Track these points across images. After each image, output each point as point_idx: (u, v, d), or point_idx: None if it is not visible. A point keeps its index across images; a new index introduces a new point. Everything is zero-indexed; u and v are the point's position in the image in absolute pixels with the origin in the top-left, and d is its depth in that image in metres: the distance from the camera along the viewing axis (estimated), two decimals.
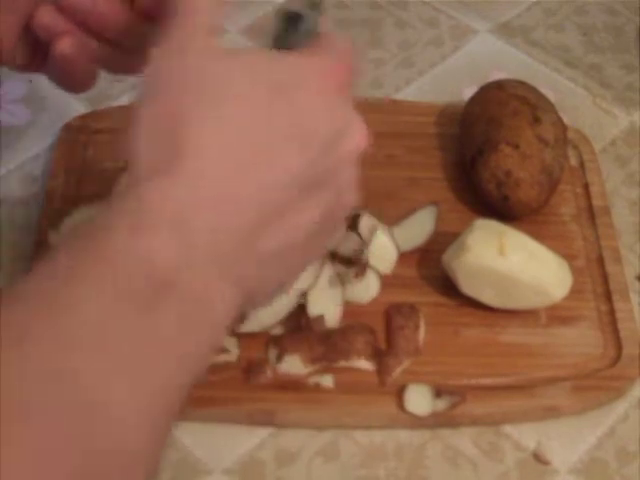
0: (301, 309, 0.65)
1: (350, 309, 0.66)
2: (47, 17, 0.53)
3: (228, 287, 0.42)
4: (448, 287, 0.68)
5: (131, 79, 0.65)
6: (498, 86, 0.76)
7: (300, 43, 0.49)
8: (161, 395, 0.39)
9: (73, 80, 0.55)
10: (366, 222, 0.70)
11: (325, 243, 0.49)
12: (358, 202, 0.48)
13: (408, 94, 0.85)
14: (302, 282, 0.66)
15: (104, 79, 0.60)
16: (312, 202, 0.44)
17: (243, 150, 0.42)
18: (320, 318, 0.65)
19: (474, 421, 0.63)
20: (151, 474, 0.39)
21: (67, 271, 0.38)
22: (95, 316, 0.37)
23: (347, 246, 0.70)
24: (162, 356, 0.39)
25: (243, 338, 0.64)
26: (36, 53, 0.55)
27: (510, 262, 0.65)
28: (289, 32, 0.50)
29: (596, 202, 0.75)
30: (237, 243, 0.42)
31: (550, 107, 0.75)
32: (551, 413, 0.64)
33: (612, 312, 0.68)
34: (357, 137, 0.46)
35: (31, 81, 0.83)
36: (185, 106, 0.42)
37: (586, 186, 0.76)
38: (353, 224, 0.71)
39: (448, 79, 0.86)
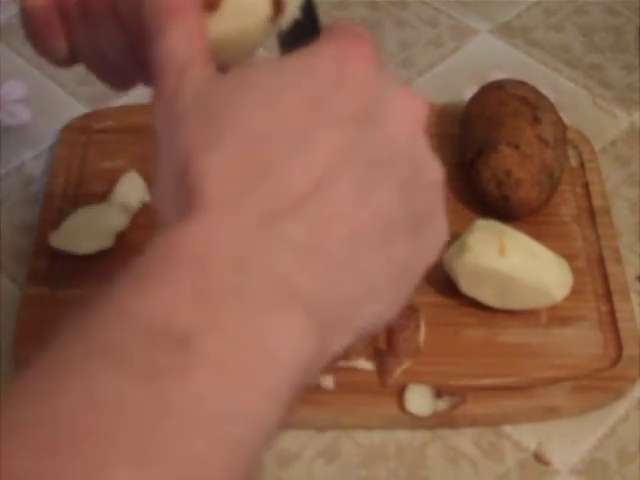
0: None
1: None
2: None
3: (295, 317, 0.34)
4: (448, 287, 0.68)
5: None
6: (498, 86, 0.76)
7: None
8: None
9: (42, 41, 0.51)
10: None
11: (427, 243, 0.41)
12: (443, 178, 0.42)
13: None
14: None
15: None
16: (376, 185, 0.38)
17: (265, 159, 0.36)
18: None
19: (474, 421, 0.63)
20: None
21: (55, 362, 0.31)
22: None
23: None
24: (200, 436, 0.31)
25: None
26: None
27: (510, 262, 0.65)
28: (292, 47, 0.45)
29: (596, 202, 0.75)
30: (293, 253, 0.35)
31: (550, 107, 0.75)
32: (551, 413, 0.64)
33: (612, 312, 0.68)
34: (406, 103, 0.40)
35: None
36: (190, 133, 0.37)
37: (586, 186, 0.76)
38: None
39: (448, 79, 0.86)
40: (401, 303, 0.41)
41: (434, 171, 0.41)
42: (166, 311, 0.32)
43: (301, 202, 0.35)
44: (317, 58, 0.39)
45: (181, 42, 0.40)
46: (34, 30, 0.50)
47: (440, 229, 0.42)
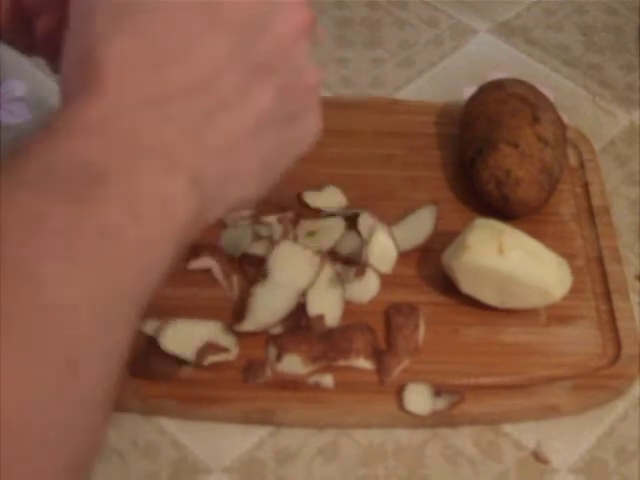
0: (301, 308, 0.65)
1: (350, 308, 0.66)
2: None
3: (181, 182, 0.41)
4: (448, 286, 0.68)
5: None
6: (498, 85, 0.76)
7: None
8: (116, 298, 0.38)
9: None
10: (366, 221, 0.70)
11: (299, 134, 0.48)
12: (320, 79, 0.48)
13: (408, 94, 0.85)
14: (302, 281, 0.66)
15: None
16: (259, 86, 0.44)
17: (160, 49, 0.42)
18: (320, 317, 0.65)
19: (474, 420, 0.63)
20: (108, 392, 0.37)
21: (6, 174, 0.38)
22: (30, 211, 0.36)
23: (347, 245, 0.70)
24: (111, 252, 0.37)
25: (243, 337, 0.64)
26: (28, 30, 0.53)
27: (510, 261, 0.65)
28: None
29: (596, 201, 0.75)
30: (182, 134, 0.41)
31: (550, 106, 0.75)
32: (551, 412, 0.64)
33: (612, 311, 0.68)
34: (294, 16, 0.46)
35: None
36: (97, 23, 0.42)
37: (586, 185, 0.76)
38: (353, 223, 0.71)
39: (448, 78, 0.86)
40: (269, 185, 0.48)
41: (312, 75, 0.47)
42: (84, 153, 0.39)
43: (188, 93, 0.42)
44: None
45: None
46: None
47: (312, 122, 0.48)
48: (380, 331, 0.66)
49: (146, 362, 0.62)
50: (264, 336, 0.64)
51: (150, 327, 0.63)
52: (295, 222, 0.71)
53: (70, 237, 0.36)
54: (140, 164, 0.40)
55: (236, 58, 0.43)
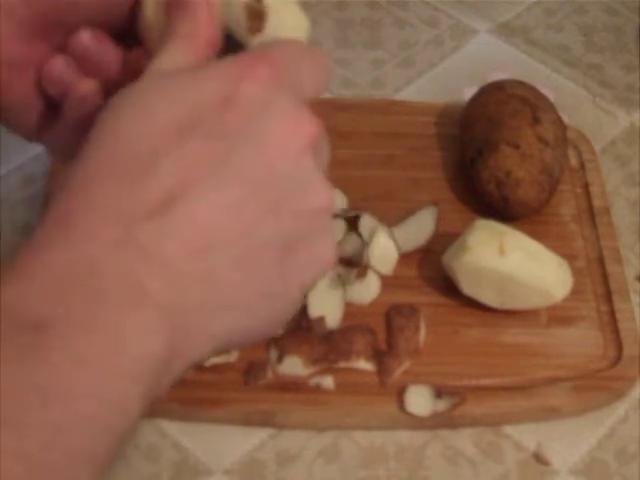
0: (302, 310, 0.65)
1: (351, 310, 0.66)
2: (58, 66, 0.48)
3: (145, 314, 0.37)
4: (448, 287, 0.68)
5: None
6: (498, 86, 0.76)
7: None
8: (65, 464, 0.34)
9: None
10: (366, 222, 0.70)
11: (301, 260, 0.42)
12: (333, 200, 0.43)
13: (408, 94, 0.85)
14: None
15: None
16: (246, 206, 0.39)
17: (132, 158, 0.39)
18: (321, 319, 0.65)
19: (474, 421, 0.63)
20: None
21: None
22: None
23: (348, 247, 0.70)
24: (57, 414, 0.34)
25: None
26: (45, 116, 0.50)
27: (510, 262, 0.65)
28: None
29: (596, 202, 0.75)
30: (146, 261, 0.37)
31: (550, 107, 0.75)
32: (551, 413, 0.64)
33: (612, 312, 0.68)
34: (294, 126, 0.41)
35: None
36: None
37: (586, 186, 0.76)
38: (354, 225, 0.71)
39: (448, 79, 0.86)
40: (279, 320, 0.43)
41: (320, 196, 0.42)
42: (23, 302, 0.36)
43: (155, 213, 0.37)
44: (210, 75, 0.40)
45: None
46: None
47: (321, 253, 0.43)
48: (381, 332, 0.66)
49: None
50: (265, 338, 0.64)
51: None
52: None
53: (12, 402, 0.34)
54: (93, 303, 0.36)
55: (211, 171, 0.39)
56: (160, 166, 0.38)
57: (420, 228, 0.71)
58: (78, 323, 0.36)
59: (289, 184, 0.40)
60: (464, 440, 0.63)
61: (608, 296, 0.69)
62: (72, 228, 0.37)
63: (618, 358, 0.65)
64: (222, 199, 0.38)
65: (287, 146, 0.40)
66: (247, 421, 0.63)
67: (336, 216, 0.71)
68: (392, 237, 0.70)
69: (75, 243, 0.37)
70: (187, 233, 0.38)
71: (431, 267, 0.69)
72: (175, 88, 0.40)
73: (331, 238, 0.43)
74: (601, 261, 0.71)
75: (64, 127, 0.49)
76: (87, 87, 0.48)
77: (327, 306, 0.65)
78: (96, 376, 0.35)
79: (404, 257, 0.70)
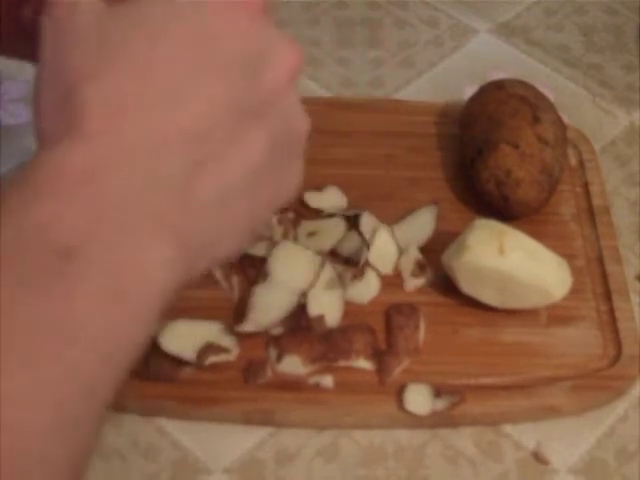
0: (301, 309, 0.65)
1: (350, 309, 0.66)
2: None
3: (167, 248, 0.38)
4: (448, 287, 0.68)
5: None
6: (498, 86, 0.76)
7: None
8: (82, 393, 0.35)
9: None
10: (367, 222, 0.70)
11: (284, 184, 0.44)
12: (308, 127, 0.43)
13: (408, 94, 0.85)
14: (302, 282, 0.66)
15: None
16: (251, 134, 0.40)
17: (153, 91, 0.38)
18: (320, 318, 0.65)
19: (474, 421, 0.63)
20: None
21: None
22: None
23: (347, 246, 0.70)
24: (79, 346, 0.35)
25: (243, 338, 0.64)
26: None
27: (510, 262, 0.65)
28: None
29: (596, 202, 0.75)
30: (172, 190, 0.38)
31: (550, 107, 0.75)
32: (551, 413, 0.64)
33: (612, 312, 0.68)
34: (286, 59, 0.41)
35: None
36: (80, 58, 0.38)
37: (586, 186, 0.76)
38: (353, 224, 0.71)
39: (448, 79, 0.86)
40: (252, 235, 0.44)
41: (301, 122, 0.43)
42: (55, 225, 0.35)
43: (179, 140, 0.38)
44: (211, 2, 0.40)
45: None
46: None
47: (297, 172, 0.44)
48: (380, 331, 0.66)
49: (146, 362, 0.62)
50: (264, 337, 0.65)
51: None
52: (295, 223, 0.71)
53: (35, 336, 0.34)
54: (123, 235, 0.36)
55: (229, 104, 0.39)
56: (175, 100, 0.38)
57: (420, 227, 0.72)
58: (105, 252, 0.36)
59: (281, 114, 0.41)
60: (464, 439, 0.63)
61: (608, 295, 0.69)
62: (94, 145, 0.37)
63: (618, 357, 0.65)
64: (230, 133, 0.39)
65: (281, 76, 0.41)
66: (246, 420, 0.63)
67: (336, 215, 0.72)
68: (392, 236, 0.70)
69: (102, 161, 0.37)
70: (202, 166, 0.39)
71: (431, 266, 0.69)
72: (181, 13, 0.40)
73: (302, 162, 0.44)
74: (601, 261, 0.71)
75: None
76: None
77: (327, 305, 0.65)
78: (117, 313, 0.36)
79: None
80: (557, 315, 0.68)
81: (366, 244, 0.69)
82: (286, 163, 0.43)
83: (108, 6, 0.40)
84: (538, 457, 0.62)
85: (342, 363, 0.64)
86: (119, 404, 0.38)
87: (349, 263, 0.68)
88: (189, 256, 0.39)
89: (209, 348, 0.63)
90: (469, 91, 0.79)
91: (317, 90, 0.84)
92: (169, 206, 0.38)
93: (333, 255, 0.69)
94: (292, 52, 0.41)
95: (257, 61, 0.40)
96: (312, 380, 0.63)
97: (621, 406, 0.65)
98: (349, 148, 0.77)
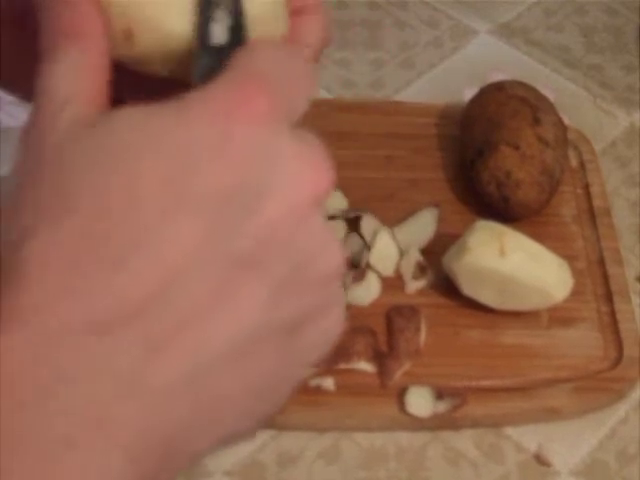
0: None
1: (351, 311, 0.66)
2: None
3: (117, 457, 0.29)
4: (449, 288, 0.68)
5: None
6: (498, 87, 0.76)
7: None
8: None
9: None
10: (368, 223, 0.70)
11: (305, 341, 0.34)
12: (342, 259, 0.34)
13: (408, 95, 0.85)
14: None
15: None
16: (241, 290, 0.31)
17: (111, 238, 0.30)
18: None
19: (475, 423, 0.63)
20: None
21: None
22: None
23: (348, 248, 0.70)
24: None
25: None
26: None
27: (511, 263, 0.65)
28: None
29: (596, 203, 0.75)
30: (123, 378, 0.30)
31: (550, 108, 0.75)
32: (552, 415, 0.64)
33: (613, 313, 0.68)
34: (303, 179, 0.32)
35: None
36: (32, 193, 0.32)
37: (586, 187, 0.76)
38: (354, 226, 0.71)
39: (448, 80, 0.86)
40: (268, 413, 0.34)
41: (329, 260, 0.33)
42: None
43: (137, 313, 0.30)
44: (196, 113, 0.31)
45: (67, 77, 0.33)
46: None
47: (330, 326, 0.34)
48: (381, 334, 0.66)
49: None
50: None
51: None
52: None
53: None
54: (45, 453, 0.28)
55: (205, 254, 0.30)
56: (138, 255, 0.30)
57: (421, 229, 0.71)
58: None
59: (292, 255, 0.32)
60: (465, 441, 0.63)
61: (608, 297, 0.69)
62: (23, 332, 0.29)
63: (619, 359, 0.65)
64: (214, 288, 0.31)
65: (292, 205, 0.32)
66: None
67: (336, 217, 0.71)
68: (393, 238, 0.70)
69: (23, 357, 0.29)
70: (173, 339, 0.30)
71: (431, 268, 0.69)
72: (158, 134, 0.31)
73: (342, 305, 0.35)
74: (601, 262, 0.71)
75: None
76: None
77: None
78: None
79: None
80: (558, 317, 0.68)
81: (367, 246, 0.69)
82: (309, 316, 0.33)
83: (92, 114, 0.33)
84: (539, 459, 0.62)
85: (343, 365, 0.64)
86: None
87: (350, 265, 0.68)
88: (150, 459, 0.30)
89: None
90: (469, 92, 0.79)
91: (317, 92, 0.84)
92: (118, 401, 0.29)
93: None
94: (312, 173, 0.32)
95: (253, 189, 0.31)
96: (313, 382, 0.63)
97: (622, 408, 0.65)
98: (349, 150, 0.77)
